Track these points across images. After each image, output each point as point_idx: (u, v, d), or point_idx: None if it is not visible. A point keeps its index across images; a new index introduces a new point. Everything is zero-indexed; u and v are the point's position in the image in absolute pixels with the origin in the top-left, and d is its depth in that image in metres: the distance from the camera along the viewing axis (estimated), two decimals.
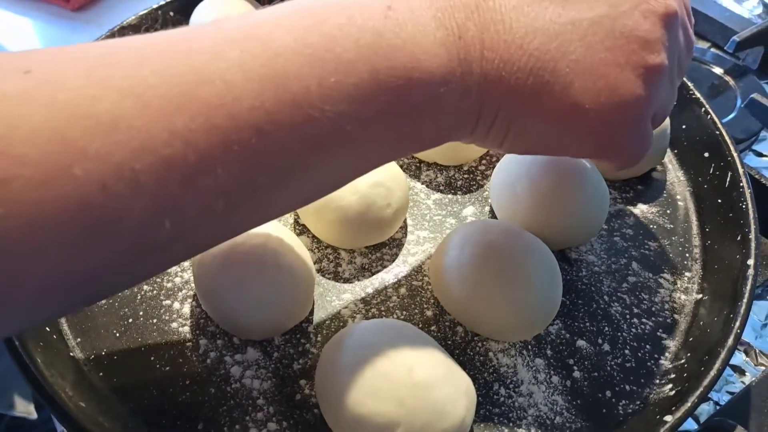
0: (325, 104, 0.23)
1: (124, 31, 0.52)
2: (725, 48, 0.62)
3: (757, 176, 0.48)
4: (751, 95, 0.55)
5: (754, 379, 0.41)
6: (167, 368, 0.36)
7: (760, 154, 0.58)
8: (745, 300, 0.36)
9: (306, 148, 0.24)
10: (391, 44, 0.24)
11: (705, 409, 0.41)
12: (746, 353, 0.44)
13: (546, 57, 0.26)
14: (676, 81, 0.30)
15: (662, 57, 0.27)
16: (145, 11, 0.53)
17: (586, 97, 0.26)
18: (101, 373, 0.36)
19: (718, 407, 0.41)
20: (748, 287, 0.36)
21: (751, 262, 0.37)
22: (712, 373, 0.33)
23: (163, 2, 0.54)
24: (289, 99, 0.22)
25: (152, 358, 0.37)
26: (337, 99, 0.23)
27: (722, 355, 0.33)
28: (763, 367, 0.43)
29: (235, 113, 0.22)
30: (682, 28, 0.29)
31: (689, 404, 0.32)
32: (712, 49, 0.67)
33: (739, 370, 0.43)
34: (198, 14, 0.52)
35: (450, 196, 0.45)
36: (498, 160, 0.45)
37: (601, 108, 0.27)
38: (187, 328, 0.38)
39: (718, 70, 0.63)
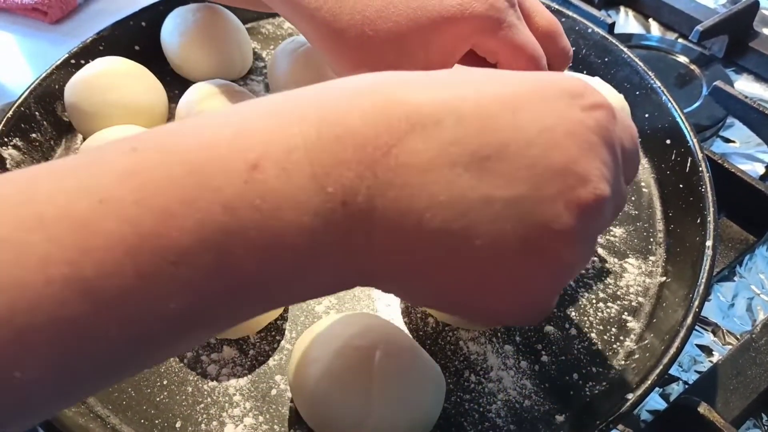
0: (160, 302, 0.19)
1: (96, 42, 0.53)
2: (690, 38, 0.64)
3: (720, 161, 0.49)
4: (714, 83, 0.56)
5: (720, 358, 0.42)
6: (145, 369, 0.37)
7: (727, 140, 0.59)
8: (703, 280, 0.37)
9: (134, 351, 0.20)
10: (245, 222, 0.20)
11: (675, 389, 0.42)
12: (714, 333, 0.45)
13: (445, 240, 0.22)
14: (593, 249, 0.27)
15: (577, 253, 0.23)
16: (118, 22, 0.54)
17: (485, 289, 0.23)
18: None
19: (686, 386, 0.42)
20: (707, 267, 0.37)
21: (709, 243, 0.38)
22: (672, 351, 0.34)
23: (134, 13, 0.55)
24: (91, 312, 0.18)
25: None
26: (173, 291, 0.19)
27: (681, 334, 0.35)
28: (730, 347, 0.44)
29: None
30: (615, 196, 0.25)
31: (650, 382, 0.33)
32: (680, 40, 0.69)
33: (707, 350, 0.44)
34: (168, 25, 0.53)
35: None
36: None
37: (500, 301, 0.24)
38: None
39: (684, 60, 0.65)
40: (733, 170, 0.49)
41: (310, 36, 0.38)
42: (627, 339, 0.39)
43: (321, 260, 0.22)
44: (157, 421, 0.35)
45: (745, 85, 0.64)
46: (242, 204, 0.20)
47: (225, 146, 0.20)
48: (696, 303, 0.36)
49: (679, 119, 0.46)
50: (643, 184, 0.47)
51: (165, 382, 0.37)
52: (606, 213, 0.24)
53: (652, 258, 0.43)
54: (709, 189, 0.41)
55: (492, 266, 0.23)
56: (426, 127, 0.22)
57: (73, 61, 0.51)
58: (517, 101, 0.23)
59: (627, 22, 0.72)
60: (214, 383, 0.37)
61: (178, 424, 0.35)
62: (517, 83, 0.24)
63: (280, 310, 0.39)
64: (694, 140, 0.44)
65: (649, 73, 0.49)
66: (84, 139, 0.49)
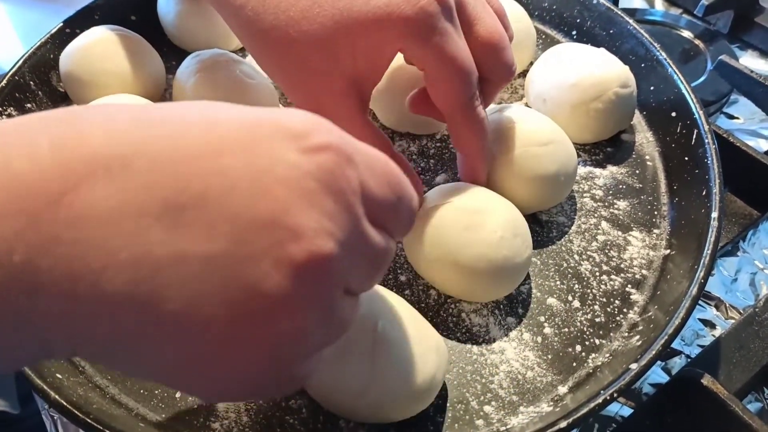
0: None
1: (92, 11, 0.52)
2: (695, 12, 0.63)
3: (725, 135, 0.49)
4: (720, 57, 0.56)
5: (723, 331, 0.42)
6: None
7: (731, 116, 0.59)
8: (708, 251, 0.36)
9: None
10: None
11: (677, 363, 0.42)
12: (717, 307, 0.45)
13: (132, 306, 0.18)
14: (343, 313, 0.22)
15: (301, 320, 0.20)
16: None
17: (194, 364, 0.20)
18: None
19: (689, 360, 0.42)
20: (712, 239, 0.37)
21: (714, 215, 0.38)
22: (677, 322, 0.34)
23: None
24: None
25: None
26: None
27: (686, 304, 0.34)
28: (732, 321, 0.44)
29: None
30: (356, 251, 0.21)
31: (654, 352, 0.33)
32: (684, 15, 0.68)
33: (710, 324, 0.44)
34: None
35: (423, 164, 0.46)
36: None
37: (216, 377, 0.21)
38: None
39: (688, 35, 0.64)
40: (738, 144, 0.48)
41: (236, 33, 0.36)
42: (630, 311, 0.38)
43: None
44: (156, 392, 0.35)
45: (750, 62, 0.64)
46: None
47: None
48: (701, 274, 0.36)
49: (685, 91, 0.45)
50: (647, 157, 0.47)
51: None
52: (339, 272, 0.21)
53: (656, 231, 0.42)
54: (714, 161, 0.41)
55: (194, 337, 0.19)
56: (110, 169, 0.18)
57: (68, 30, 0.50)
58: (225, 142, 0.20)
59: None
60: None
61: (177, 394, 0.35)
62: (230, 122, 0.21)
63: None
64: (700, 112, 0.44)
65: (655, 45, 0.48)
66: None
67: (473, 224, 0.36)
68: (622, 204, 0.44)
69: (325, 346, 0.23)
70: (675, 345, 0.42)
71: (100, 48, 0.46)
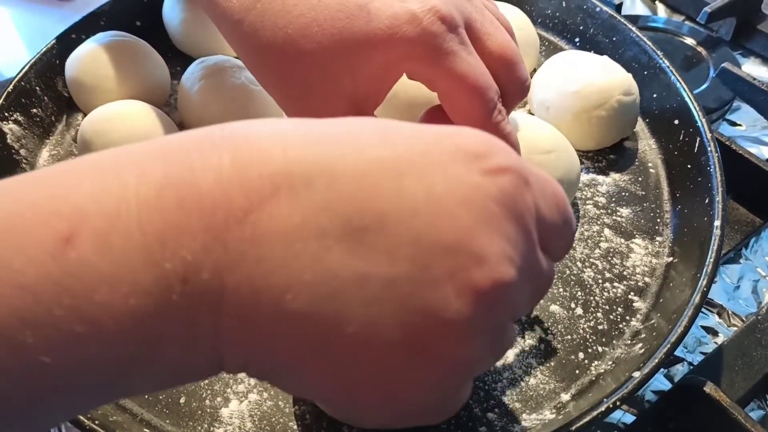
0: None
1: (97, 17, 0.52)
2: (698, 19, 0.63)
3: (727, 142, 0.49)
4: (722, 64, 0.56)
5: (726, 339, 0.42)
6: None
7: (733, 123, 0.59)
8: (711, 259, 0.37)
9: None
10: (50, 307, 0.16)
11: (679, 370, 0.42)
12: (719, 315, 0.45)
13: (311, 326, 0.19)
14: (507, 340, 0.23)
15: (473, 348, 0.20)
16: None
17: (364, 386, 0.20)
18: None
19: (691, 367, 0.42)
20: (715, 247, 0.37)
21: (717, 223, 0.38)
22: (680, 329, 0.34)
23: None
24: None
25: None
26: None
27: (689, 312, 0.34)
28: (735, 328, 0.44)
29: None
30: (528, 278, 0.21)
31: (657, 360, 0.33)
32: (687, 22, 0.68)
33: (713, 332, 0.44)
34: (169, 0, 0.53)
35: None
36: None
37: (384, 401, 0.21)
38: None
39: (691, 42, 0.64)
40: (740, 152, 0.48)
41: (234, 48, 0.35)
42: (633, 319, 0.38)
43: (155, 350, 0.18)
44: (161, 397, 0.35)
45: (752, 69, 0.64)
46: (47, 285, 0.16)
47: (32, 214, 0.17)
48: (704, 282, 0.36)
49: (687, 99, 0.46)
50: (650, 164, 0.47)
51: None
52: (514, 299, 0.21)
53: (659, 238, 0.42)
54: (717, 168, 0.41)
55: (369, 359, 0.19)
56: (294, 188, 0.19)
57: (73, 36, 0.50)
58: (404, 163, 0.20)
59: (633, 3, 0.71)
60: None
61: (182, 400, 0.35)
62: (407, 141, 0.20)
63: None
64: (703, 120, 0.44)
65: (658, 52, 0.48)
66: (85, 115, 0.48)
67: None
68: (624, 211, 0.44)
69: (482, 372, 0.24)
70: (678, 352, 0.42)
71: (105, 54, 0.46)
